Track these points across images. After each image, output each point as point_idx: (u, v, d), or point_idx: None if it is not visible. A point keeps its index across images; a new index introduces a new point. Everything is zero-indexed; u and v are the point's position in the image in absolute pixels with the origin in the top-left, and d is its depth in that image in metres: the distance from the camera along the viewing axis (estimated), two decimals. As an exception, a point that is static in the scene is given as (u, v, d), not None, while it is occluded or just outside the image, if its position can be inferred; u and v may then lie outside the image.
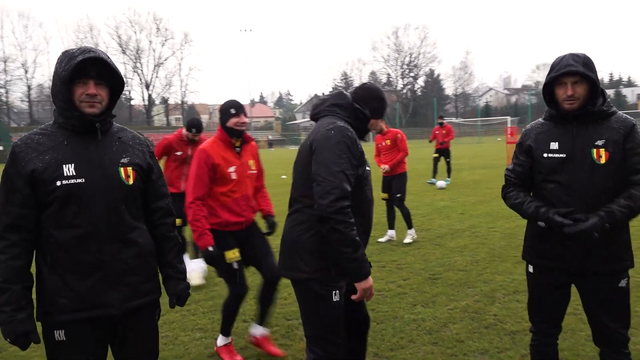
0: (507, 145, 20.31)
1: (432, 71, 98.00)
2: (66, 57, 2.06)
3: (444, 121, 15.35)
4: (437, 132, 15.07)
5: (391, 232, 7.85)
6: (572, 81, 2.39)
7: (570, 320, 4.23)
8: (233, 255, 3.71)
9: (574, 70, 2.35)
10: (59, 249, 2.08)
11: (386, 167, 7.41)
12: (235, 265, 3.72)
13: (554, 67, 2.45)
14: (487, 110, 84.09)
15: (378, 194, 6.95)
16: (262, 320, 3.92)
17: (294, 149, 63.58)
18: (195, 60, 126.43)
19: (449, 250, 6.88)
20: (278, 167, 28.20)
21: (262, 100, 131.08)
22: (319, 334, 2.52)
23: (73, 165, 2.08)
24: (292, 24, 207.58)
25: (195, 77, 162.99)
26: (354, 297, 2.47)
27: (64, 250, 2.07)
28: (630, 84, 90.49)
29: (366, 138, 2.75)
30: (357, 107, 2.62)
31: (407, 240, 7.54)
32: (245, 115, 3.77)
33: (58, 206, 2.06)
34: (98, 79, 2.10)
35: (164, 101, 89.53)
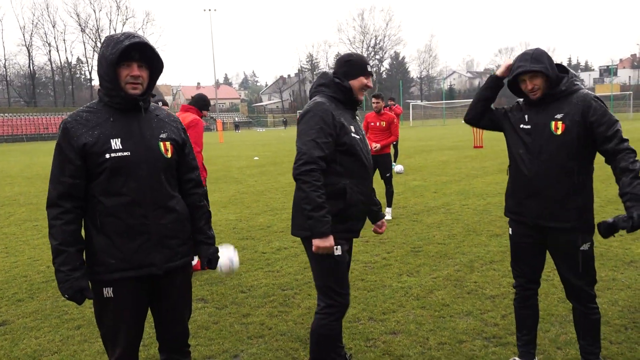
0: (473, 127, 20.95)
1: (397, 54, 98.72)
2: (112, 42, 2.27)
3: (393, 104, 14.61)
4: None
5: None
6: (529, 77, 2.83)
7: (543, 285, 4.65)
8: None
9: (523, 71, 2.81)
10: (108, 214, 2.30)
11: (378, 145, 7.79)
12: None
13: (512, 68, 2.90)
14: (451, 93, 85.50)
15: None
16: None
17: (260, 131, 63.26)
18: (158, 40, 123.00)
19: (427, 226, 7.27)
20: (249, 149, 28.21)
21: (227, 82, 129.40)
22: (325, 284, 2.87)
23: (120, 139, 2.31)
24: (258, 4, 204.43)
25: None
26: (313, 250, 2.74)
27: (112, 215, 2.30)
28: (587, 68, 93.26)
29: (359, 104, 3.01)
30: (337, 82, 2.89)
31: (388, 217, 7.91)
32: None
33: (107, 176, 2.29)
34: (141, 61, 2.32)
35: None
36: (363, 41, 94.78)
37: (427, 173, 13.22)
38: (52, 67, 79.97)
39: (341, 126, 2.78)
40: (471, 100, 3.33)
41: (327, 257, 2.78)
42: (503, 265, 5.33)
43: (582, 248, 2.87)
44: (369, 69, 2.96)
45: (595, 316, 2.96)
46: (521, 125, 2.93)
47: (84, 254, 2.37)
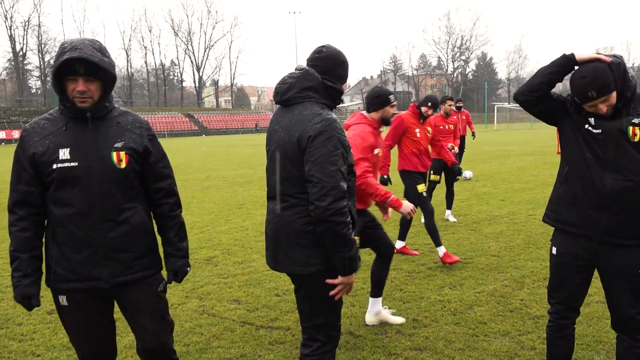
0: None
1: (484, 54, 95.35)
2: (59, 51, 2.21)
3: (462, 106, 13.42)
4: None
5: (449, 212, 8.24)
6: (601, 100, 2.43)
7: (596, 308, 4.24)
8: (423, 188, 5.86)
9: (590, 99, 2.43)
10: (58, 223, 2.31)
11: (455, 147, 7.80)
12: (424, 193, 5.84)
13: (573, 91, 2.53)
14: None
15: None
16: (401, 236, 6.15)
17: (340, 132, 63.42)
18: (244, 43, 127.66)
19: (484, 236, 6.89)
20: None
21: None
22: (327, 321, 2.53)
23: (68, 149, 2.27)
24: (341, 5, 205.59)
25: (244, 59, 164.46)
26: (332, 292, 2.42)
27: (61, 225, 2.30)
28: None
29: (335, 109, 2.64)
30: (329, 85, 2.47)
31: (452, 219, 8.04)
32: (434, 110, 6.00)
33: (55, 186, 2.28)
34: (87, 75, 2.23)
35: (214, 83, 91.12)
36: (448, 41, 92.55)
37: (499, 179, 12.58)
38: (147, 69, 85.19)
39: (348, 145, 2.44)
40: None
41: (331, 291, 2.45)
42: (557, 283, 4.91)
43: None
44: None
45: None
46: (587, 127, 2.54)
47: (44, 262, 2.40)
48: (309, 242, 2.41)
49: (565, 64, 2.54)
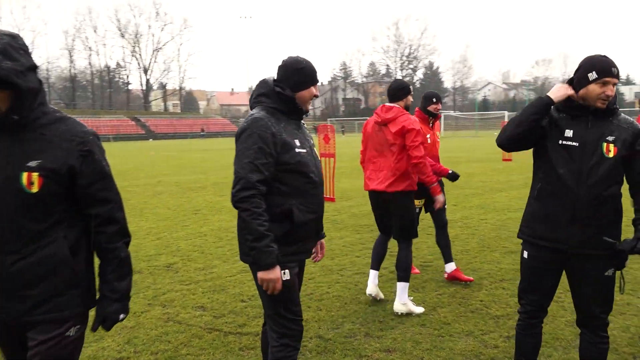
0: (503, 139, 20.50)
1: (431, 63, 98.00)
2: None
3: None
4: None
5: None
6: (613, 83, 2.56)
7: (552, 307, 4.45)
8: (417, 202, 5.02)
9: (612, 75, 2.54)
10: None
11: None
12: (417, 210, 5.07)
13: (595, 66, 2.57)
14: (485, 104, 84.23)
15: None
16: (447, 258, 5.25)
17: (291, 138, 63.49)
18: (194, 46, 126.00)
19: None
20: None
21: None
22: (276, 312, 2.63)
23: None
24: (292, 11, 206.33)
25: (194, 63, 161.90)
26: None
27: None
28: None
29: (305, 115, 2.76)
30: (278, 91, 2.62)
31: None
32: (440, 103, 5.31)
33: None
34: None
35: (162, 86, 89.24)
36: (397, 50, 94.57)
37: (450, 185, 12.90)
38: (91, 71, 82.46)
39: (283, 144, 2.53)
40: (504, 111, 3.00)
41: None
42: (513, 284, 5.13)
43: (606, 274, 2.70)
44: (317, 77, 2.73)
45: (605, 345, 2.79)
46: (562, 142, 2.63)
47: None
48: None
49: (546, 107, 2.63)
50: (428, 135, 5.10)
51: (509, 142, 2.74)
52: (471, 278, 5.20)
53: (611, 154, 2.58)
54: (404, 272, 4.47)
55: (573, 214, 2.62)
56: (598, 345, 2.76)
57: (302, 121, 2.83)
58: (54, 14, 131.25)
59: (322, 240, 2.98)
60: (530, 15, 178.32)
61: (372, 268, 4.83)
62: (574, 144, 2.61)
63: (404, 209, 4.47)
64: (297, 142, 2.62)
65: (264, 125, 2.51)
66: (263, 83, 2.69)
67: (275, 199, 2.56)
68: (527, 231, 2.84)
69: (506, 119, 43.74)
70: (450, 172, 5.26)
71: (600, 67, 2.56)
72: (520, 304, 2.95)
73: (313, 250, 2.92)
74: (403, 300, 4.42)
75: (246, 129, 2.52)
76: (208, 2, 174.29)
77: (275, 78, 2.70)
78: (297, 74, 2.65)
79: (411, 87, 4.59)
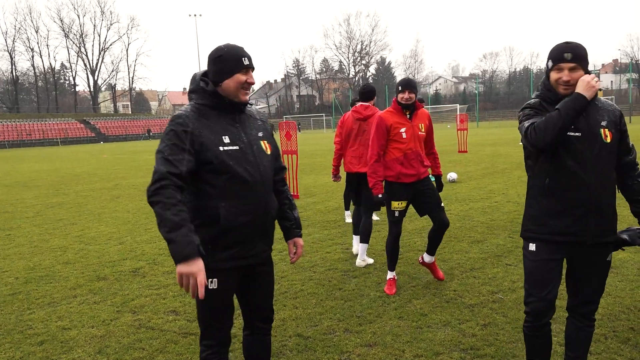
0: (458, 132, 20.97)
1: (383, 59, 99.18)
2: None
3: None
4: None
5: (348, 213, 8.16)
6: (569, 67, 2.54)
7: (522, 293, 4.57)
8: (397, 205, 4.75)
9: (568, 58, 2.52)
10: None
11: None
12: (397, 214, 4.78)
13: (551, 54, 2.59)
14: (437, 98, 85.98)
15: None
16: (430, 251, 5.00)
17: (247, 137, 62.92)
18: (143, 46, 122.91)
19: (408, 232, 7.17)
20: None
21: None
22: (201, 320, 2.55)
23: None
24: (243, 9, 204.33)
25: (144, 63, 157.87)
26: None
27: None
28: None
29: (244, 106, 2.54)
30: (201, 86, 2.47)
31: (375, 217, 8.08)
32: (410, 91, 4.65)
33: None
34: None
35: (111, 87, 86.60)
36: (349, 46, 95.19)
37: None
38: (35, 73, 79.13)
39: (200, 143, 2.35)
40: (456, 104, 2.93)
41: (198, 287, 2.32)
42: (483, 272, 5.24)
43: (608, 259, 2.75)
44: (246, 62, 2.45)
45: (592, 329, 2.84)
46: (568, 133, 2.55)
47: None
48: None
49: (585, 107, 2.49)
50: (403, 130, 4.65)
51: (550, 146, 2.56)
52: (443, 277, 5.07)
53: (608, 139, 2.61)
54: (366, 236, 5.69)
55: (589, 205, 2.59)
56: (588, 329, 2.81)
57: (254, 112, 2.64)
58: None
59: (298, 239, 2.82)
60: (477, 9, 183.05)
61: (354, 234, 6.19)
62: (577, 134, 2.58)
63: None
64: (226, 139, 2.42)
65: (180, 123, 2.36)
66: (192, 79, 2.57)
67: (203, 201, 2.40)
68: (539, 229, 2.71)
69: (458, 112, 44.79)
70: (436, 176, 5.16)
71: (554, 55, 2.57)
72: (526, 305, 2.77)
73: (292, 253, 2.81)
74: (362, 258, 5.72)
75: (167, 126, 2.40)
76: (155, 0, 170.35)
77: (203, 73, 2.53)
78: (217, 63, 2.44)
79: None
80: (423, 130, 4.79)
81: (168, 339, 3.96)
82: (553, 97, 2.64)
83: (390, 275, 4.92)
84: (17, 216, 10.04)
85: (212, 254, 2.40)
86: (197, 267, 2.17)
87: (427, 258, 5.05)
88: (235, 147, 2.43)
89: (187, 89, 2.59)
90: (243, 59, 2.44)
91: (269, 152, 2.62)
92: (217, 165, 2.37)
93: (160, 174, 2.24)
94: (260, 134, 2.59)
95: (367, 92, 5.92)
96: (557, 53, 2.56)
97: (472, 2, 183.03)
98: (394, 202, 4.73)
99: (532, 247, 2.74)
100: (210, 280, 2.41)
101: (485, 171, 13.84)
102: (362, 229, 5.71)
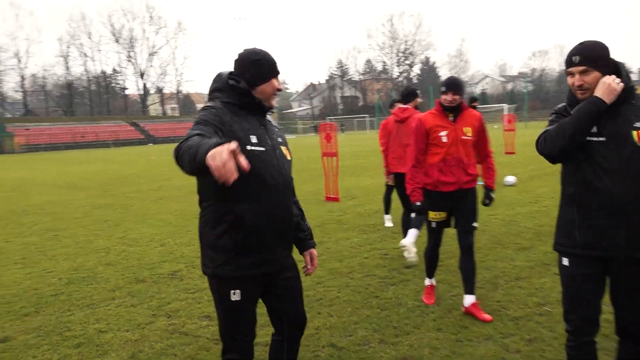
0: (505, 132, 20.34)
1: (427, 59, 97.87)
2: None
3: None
4: None
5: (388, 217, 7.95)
6: (579, 71, 2.38)
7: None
8: (433, 215, 4.32)
9: (576, 61, 2.37)
10: None
11: None
12: (433, 225, 4.37)
13: (565, 60, 2.45)
14: (484, 98, 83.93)
15: (379, 182, 6.92)
16: (466, 288, 4.28)
17: (289, 138, 63.54)
18: (189, 49, 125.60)
19: (450, 238, 6.88)
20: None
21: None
22: (223, 333, 2.52)
23: None
24: (287, 11, 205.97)
25: (190, 65, 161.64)
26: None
27: None
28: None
29: (270, 110, 2.54)
30: (232, 84, 2.41)
31: (389, 223, 7.99)
32: (455, 93, 4.16)
33: None
34: None
35: (159, 91, 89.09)
36: (393, 46, 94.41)
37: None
38: (88, 77, 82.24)
39: (231, 134, 2.27)
40: (504, 104, 2.75)
41: (222, 303, 2.42)
42: (529, 282, 4.96)
43: None
44: (278, 69, 2.49)
45: None
46: (589, 138, 2.38)
47: None
48: (205, 242, 2.48)
49: (601, 112, 2.35)
50: (443, 133, 4.19)
51: (562, 154, 2.43)
52: (489, 317, 4.12)
53: None
54: (417, 226, 5.63)
55: (614, 216, 2.37)
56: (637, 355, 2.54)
57: (271, 119, 2.60)
58: (47, 20, 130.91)
59: (313, 250, 2.77)
60: (525, 6, 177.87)
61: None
62: (601, 139, 2.37)
63: None
64: (254, 139, 2.37)
65: (213, 112, 2.31)
66: (217, 78, 2.49)
67: (223, 205, 2.35)
68: (567, 242, 2.55)
69: (506, 112, 43.56)
70: (482, 186, 4.44)
71: (566, 60, 2.43)
72: (567, 322, 2.60)
73: (303, 265, 2.77)
74: (411, 240, 5.50)
75: (197, 117, 2.31)
76: (201, 4, 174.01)
77: (231, 72, 2.48)
78: (254, 66, 2.42)
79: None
80: (470, 134, 4.20)
81: (200, 346, 3.92)
82: (577, 101, 2.45)
83: (428, 282, 4.70)
84: (65, 217, 10.36)
85: (235, 261, 2.36)
86: (222, 147, 1.80)
87: (466, 300, 4.26)
88: (261, 149, 2.39)
89: (210, 88, 2.52)
90: (277, 65, 2.47)
91: (289, 157, 2.61)
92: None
93: (188, 135, 2.08)
94: (280, 140, 2.58)
95: (405, 94, 6.19)
96: (567, 56, 2.42)
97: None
98: (431, 212, 4.30)
99: (565, 261, 2.56)
100: (232, 291, 2.39)
101: (534, 173, 13.32)
102: (413, 223, 5.69)
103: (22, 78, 75.47)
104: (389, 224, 7.91)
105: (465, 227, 4.26)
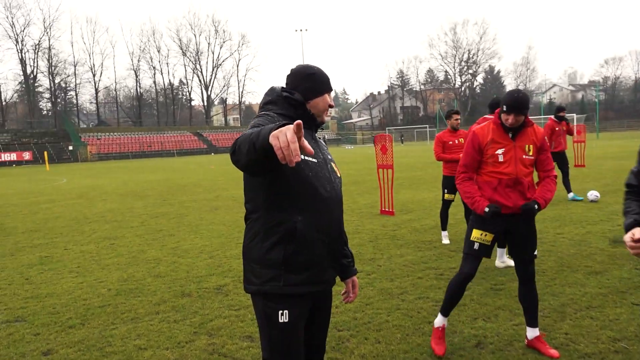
0: (574, 144, 19.21)
1: (491, 67, 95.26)
2: None
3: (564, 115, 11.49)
4: (556, 128, 11.13)
5: (445, 233, 7.57)
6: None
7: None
8: (479, 235, 3.77)
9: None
10: None
11: None
12: (476, 246, 3.77)
13: None
14: (551, 107, 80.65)
15: (437, 195, 6.55)
16: (529, 321, 3.89)
17: (349, 148, 63.32)
18: (252, 61, 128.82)
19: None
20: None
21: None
22: (269, 356, 2.29)
23: None
24: (348, 22, 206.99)
25: (252, 77, 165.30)
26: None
27: None
28: None
29: (323, 125, 2.49)
30: (286, 96, 2.35)
31: (445, 241, 7.61)
32: (517, 115, 3.63)
33: None
34: None
35: (223, 101, 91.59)
36: (455, 56, 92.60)
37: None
38: (156, 89, 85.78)
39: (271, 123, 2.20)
40: (573, 114, 2.42)
41: (269, 323, 2.23)
42: (602, 312, 4.45)
43: None
44: (331, 85, 2.45)
45: None
46: None
47: None
48: (251, 257, 2.30)
49: None
50: (500, 151, 3.72)
51: None
52: (556, 353, 3.69)
53: None
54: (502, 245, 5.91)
55: None
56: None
57: (320, 136, 2.51)
58: (120, 36, 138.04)
59: (355, 278, 2.61)
60: (597, 11, 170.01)
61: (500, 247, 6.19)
62: None
63: None
64: None
65: (268, 118, 2.23)
66: (270, 91, 2.42)
67: (277, 215, 2.20)
68: None
69: (575, 122, 41.46)
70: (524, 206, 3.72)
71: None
72: None
73: (343, 291, 2.61)
74: (502, 260, 6.09)
75: (252, 122, 2.23)
76: (265, 17, 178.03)
77: (288, 87, 2.44)
78: (308, 80, 2.38)
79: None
80: (531, 153, 3.72)
81: (238, 370, 3.72)
82: None
83: (439, 322, 3.95)
84: (123, 225, 10.57)
85: (286, 277, 2.20)
86: (283, 127, 1.66)
87: (529, 333, 3.86)
88: (314, 160, 2.29)
89: (262, 101, 2.47)
90: (330, 81, 2.45)
91: (339, 174, 2.47)
92: (295, 172, 2.20)
93: (235, 142, 1.88)
94: (329, 157, 2.46)
95: (489, 105, 6.36)
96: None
97: (591, 4, 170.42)
98: (475, 231, 3.77)
99: None
100: (280, 312, 2.21)
101: (606, 188, 12.38)
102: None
103: (97, 90, 79.76)
104: (445, 240, 7.49)
105: (524, 257, 3.80)
